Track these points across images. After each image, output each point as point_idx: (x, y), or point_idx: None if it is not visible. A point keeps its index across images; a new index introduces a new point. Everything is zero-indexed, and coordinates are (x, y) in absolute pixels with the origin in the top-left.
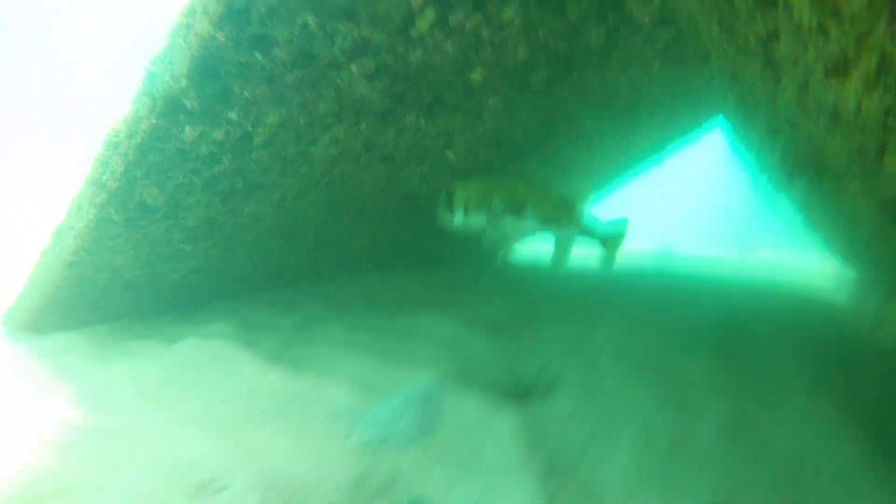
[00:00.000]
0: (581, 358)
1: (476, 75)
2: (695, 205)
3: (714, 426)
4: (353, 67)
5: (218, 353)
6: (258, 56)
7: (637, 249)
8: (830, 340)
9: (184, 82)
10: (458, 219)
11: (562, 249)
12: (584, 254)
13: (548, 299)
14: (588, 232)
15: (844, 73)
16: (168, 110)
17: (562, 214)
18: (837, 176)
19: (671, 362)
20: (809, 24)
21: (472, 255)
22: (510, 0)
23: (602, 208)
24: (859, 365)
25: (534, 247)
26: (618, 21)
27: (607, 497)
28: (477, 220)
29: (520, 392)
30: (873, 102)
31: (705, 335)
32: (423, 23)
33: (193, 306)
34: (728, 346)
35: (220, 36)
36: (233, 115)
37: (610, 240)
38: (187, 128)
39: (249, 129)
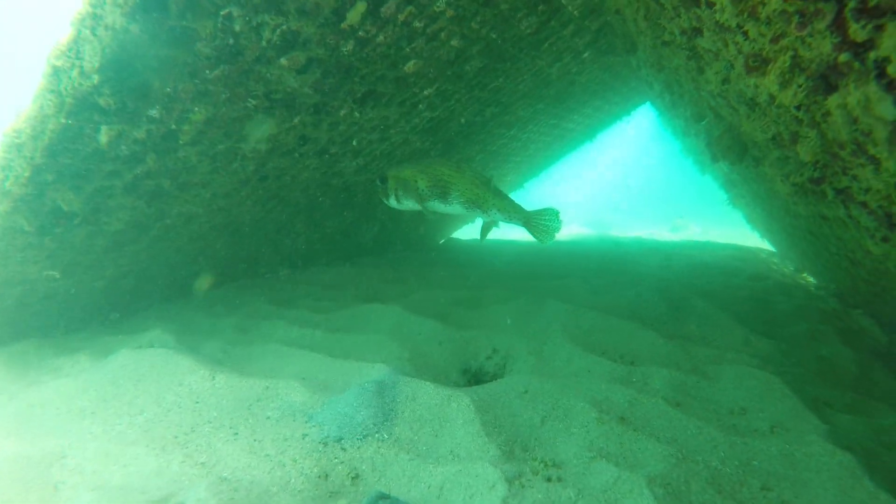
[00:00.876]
0: (528, 339)
1: (410, 66)
2: (628, 186)
3: (660, 396)
4: (283, 61)
5: (157, 363)
6: (179, 50)
7: (574, 231)
8: (756, 310)
9: (96, 79)
10: (391, 202)
11: (485, 231)
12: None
13: (492, 283)
14: (511, 217)
15: (763, 71)
16: (79, 109)
17: (485, 199)
18: (756, 160)
19: (616, 338)
20: (730, 24)
21: (412, 242)
22: None
23: (538, 190)
24: (782, 331)
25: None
26: (549, 12)
27: (566, 473)
28: (407, 204)
29: (472, 376)
30: (787, 97)
31: (646, 310)
32: (354, 15)
33: (125, 313)
34: (667, 319)
35: (135, 28)
36: (154, 113)
37: (537, 225)
38: (103, 127)
39: (174, 126)
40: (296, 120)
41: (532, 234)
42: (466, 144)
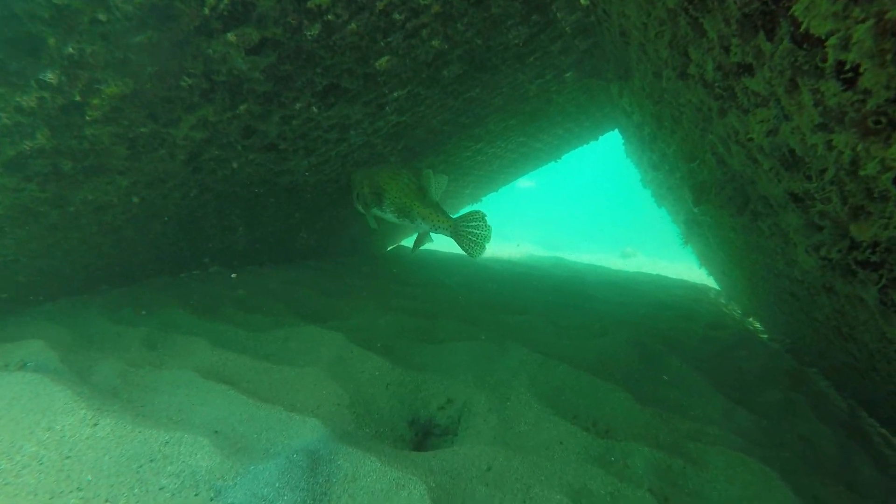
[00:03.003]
0: (488, 390)
1: (382, 63)
2: (581, 209)
3: (645, 487)
4: (231, 37)
5: (23, 394)
6: (86, 2)
7: (528, 250)
8: (724, 370)
9: None
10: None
11: (418, 242)
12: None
13: (445, 309)
14: (437, 227)
15: (889, 137)
16: None
17: (411, 207)
18: (755, 215)
19: (588, 399)
20: (833, 63)
21: (360, 247)
22: None
23: (493, 206)
24: (756, 399)
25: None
26: (541, 24)
27: None
28: (360, 209)
29: (420, 429)
30: None
31: (617, 364)
32: None
33: (7, 309)
34: (640, 376)
35: None
36: (50, 78)
37: (465, 236)
38: None
39: (78, 98)
40: (241, 108)
41: (461, 246)
42: (431, 153)
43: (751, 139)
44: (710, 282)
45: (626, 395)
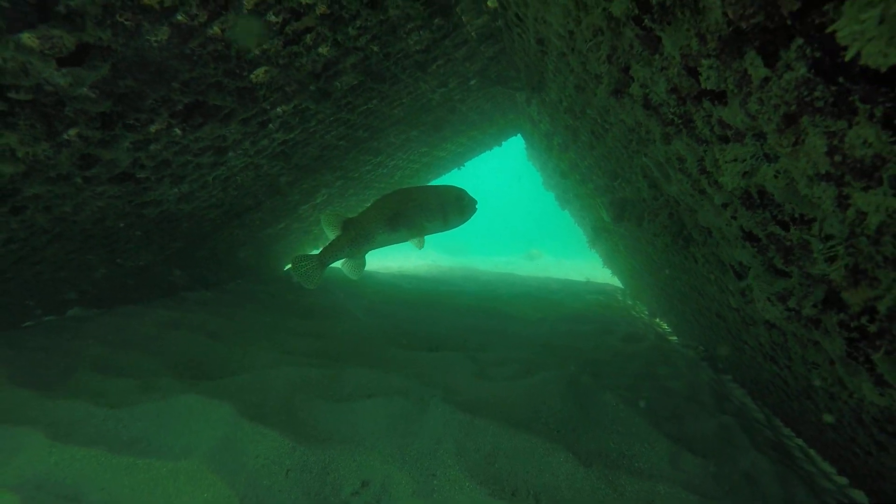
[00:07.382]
0: (410, 466)
1: (259, 75)
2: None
3: None
4: (28, 40)
5: None
6: None
7: (433, 260)
8: (655, 397)
9: None
10: None
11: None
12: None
13: (351, 349)
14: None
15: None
16: None
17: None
18: (687, 241)
19: (524, 466)
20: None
21: (256, 271)
22: None
23: None
24: (693, 431)
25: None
26: (445, 28)
27: None
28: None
29: None
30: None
31: (549, 410)
32: None
33: None
34: (576, 424)
35: None
36: None
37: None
38: None
39: None
40: (71, 133)
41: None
42: (326, 170)
43: (704, 172)
44: (614, 280)
45: (565, 455)
